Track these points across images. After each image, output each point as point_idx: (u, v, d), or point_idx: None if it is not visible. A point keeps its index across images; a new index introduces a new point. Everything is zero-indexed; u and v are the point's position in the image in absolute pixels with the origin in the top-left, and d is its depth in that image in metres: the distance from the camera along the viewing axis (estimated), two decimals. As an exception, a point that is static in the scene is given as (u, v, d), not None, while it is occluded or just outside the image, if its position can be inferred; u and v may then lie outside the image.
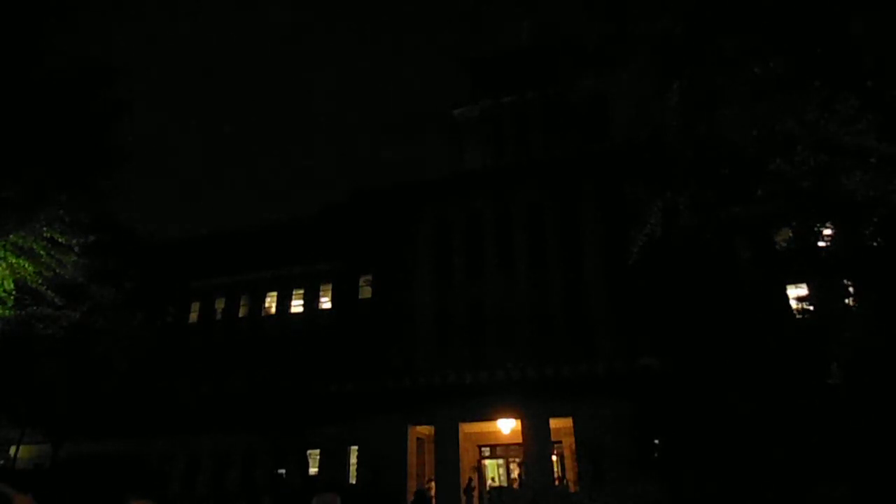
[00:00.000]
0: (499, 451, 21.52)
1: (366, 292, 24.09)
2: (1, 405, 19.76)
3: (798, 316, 14.47)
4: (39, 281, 12.55)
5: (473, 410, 19.27)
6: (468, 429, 20.18)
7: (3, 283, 11.89)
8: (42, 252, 12.22)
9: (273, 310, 27.23)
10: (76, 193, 12.67)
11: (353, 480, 19.98)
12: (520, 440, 19.15)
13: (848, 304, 11.62)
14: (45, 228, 12.00)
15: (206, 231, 32.48)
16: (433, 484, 18.44)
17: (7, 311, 12.36)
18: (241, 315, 27.58)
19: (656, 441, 17.24)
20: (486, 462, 21.67)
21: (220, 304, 28.21)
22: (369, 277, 24.20)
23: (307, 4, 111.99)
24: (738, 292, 15.57)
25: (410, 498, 17.67)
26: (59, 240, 12.33)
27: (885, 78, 6.92)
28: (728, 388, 15.23)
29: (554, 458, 19.20)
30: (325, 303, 26.13)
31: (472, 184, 23.91)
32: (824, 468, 12.73)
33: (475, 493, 18.87)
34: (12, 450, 22.53)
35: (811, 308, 13.56)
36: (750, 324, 15.47)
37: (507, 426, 19.49)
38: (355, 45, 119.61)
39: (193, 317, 28.32)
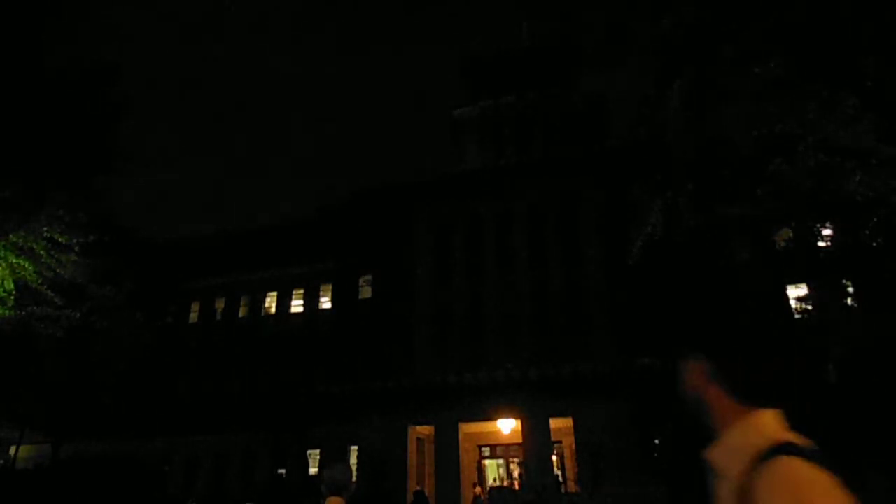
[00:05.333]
0: (499, 451, 21.51)
1: (366, 292, 24.09)
2: (1, 405, 19.75)
3: (798, 316, 14.49)
4: (39, 281, 12.55)
5: (473, 410, 19.25)
6: (468, 429, 20.17)
7: (3, 283, 11.88)
8: (42, 252, 12.21)
9: (273, 310, 27.22)
10: (76, 193, 12.67)
11: (354, 479, 19.97)
12: (520, 440, 19.13)
13: (847, 304, 11.63)
14: (45, 228, 12.00)
15: (206, 231, 32.54)
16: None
17: (7, 311, 12.35)
18: (241, 315, 27.57)
19: (656, 441, 17.24)
20: (486, 462, 21.65)
21: (220, 305, 28.20)
22: (369, 277, 24.20)
23: (307, 5, 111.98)
24: (738, 292, 15.56)
25: (411, 499, 17.65)
26: (59, 240, 12.32)
27: (885, 78, 6.92)
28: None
29: (554, 458, 19.19)
30: (325, 303, 26.11)
31: (472, 184, 23.90)
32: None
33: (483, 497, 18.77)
34: (12, 450, 22.52)
35: (811, 308, 13.58)
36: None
37: (507, 426, 19.48)
38: (356, 46, 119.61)
39: (193, 317, 28.32)
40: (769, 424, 1.09)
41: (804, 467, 0.96)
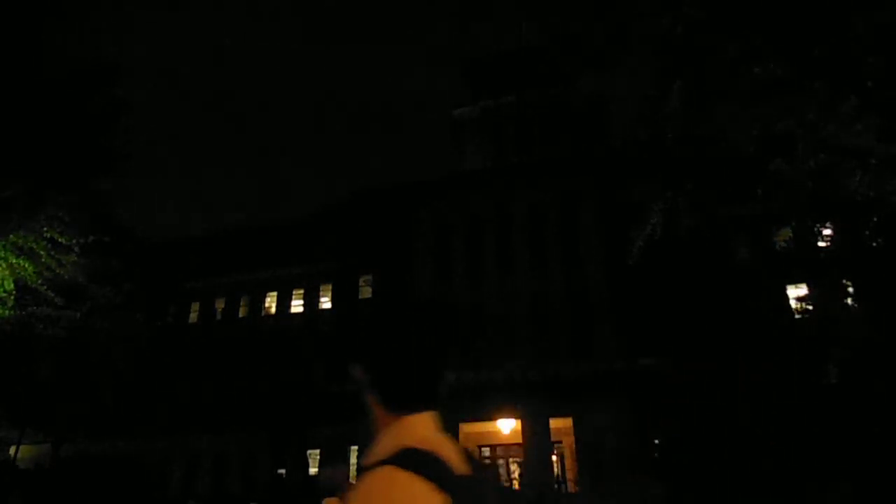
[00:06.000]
0: (499, 451, 21.51)
1: (366, 292, 24.09)
2: (1, 405, 19.76)
3: (798, 316, 14.51)
4: (39, 281, 12.53)
5: (473, 410, 19.26)
6: (468, 429, 20.17)
7: (3, 283, 11.87)
8: (42, 252, 12.20)
9: (273, 310, 27.22)
10: (76, 194, 12.66)
11: (352, 480, 19.95)
12: (520, 440, 19.14)
13: (847, 304, 11.63)
14: (45, 228, 11.99)
15: (206, 231, 32.48)
16: None
17: (7, 311, 12.34)
18: (241, 315, 27.56)
19: (656, 441, 17.25)
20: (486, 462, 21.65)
21: (220, 305, 28.20)
22: (369, 277, 24.20)
23: (308, 6, 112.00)
24: (738, 292, 15.58)
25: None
26: (59, 240, 12.30)
27: (885, 78, 6.91)
28: (728, 387, 15.24)
29: (554, 458, 19.20)
30: (325, 303, 26.11)
31: (472, 184, 23.91)
32: (824, 467, 12.75)
33: None
34: (12, 450, 22.52)
35: (811, 308, 13.59)
36: (750, 324, 15.48)
37: (507, 426, 19.48)
38: (356, 46, 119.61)
39: (193, 317, 28.31)
40: (409, 431, 1.10)
41: (391, 476, 0.96)
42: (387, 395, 1.16)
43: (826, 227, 10.58)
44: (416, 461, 0.99)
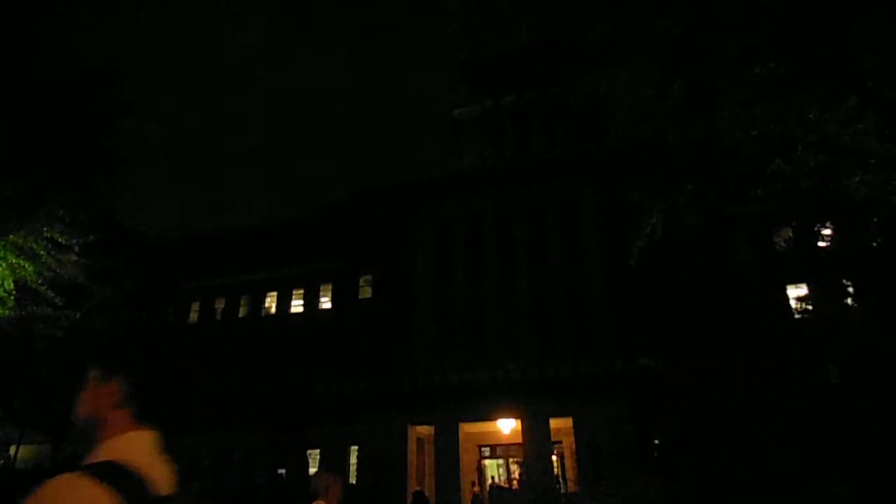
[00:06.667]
0: (499, 451, 21.49)
1: (366, 292, 24.09)
2: (1, 405, 19.74)
3: (798, 316, 14.52)
4: (39, 281, 12.54)
5: (473, 410, 19.25)
6: (468, 429, 20.16)
7: (3, 283, 11.88)
8: (42, 252, 12.21)
9: (273, 310, 27.21)
10: (76, 193, 12.67)
11: (353, 480, 19.97)
12: (520, 440, 19.12)
13: (847, 304, 11.64)
14: (45, 228, 12.00)
15: (206, 231, 32.44)
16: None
17: (7, 311, 12.34)
18: (241, 315, 27.55)
19: (656, 441, 17.25)
20: (486, 462, 21.64)
21: (220, 304, 28.19)
22: (369, 277, 24.20)
23: (308, 5, 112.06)
24: (738, 292, 15.59)
25: (411, 499, 17.65)
26: (59, 240, 12.32)
27: (886, 78, 6.91)
28: (728, 387, 15.25)
29: (554, 458, 19.18)
30: (325, 303, 26.10)
31: (473, 184, 23.90)
32: (824, 467, 12.75)
33: (483, 496, 18.81)
34: (12, 450, 22.52)
35: (811, 308, 13.60)
36: (750, 324, 15.49)
37: (507, 426, 19.47)
38: (355, 46, 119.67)
39: (193, 317, 28.30)
40: (123, 445, 1.18)
41: (72, 483, 1.02)
42: (140, 409, 1.27)
43: (826, 227, 10.59)
44: (111, 474, 1.05)
